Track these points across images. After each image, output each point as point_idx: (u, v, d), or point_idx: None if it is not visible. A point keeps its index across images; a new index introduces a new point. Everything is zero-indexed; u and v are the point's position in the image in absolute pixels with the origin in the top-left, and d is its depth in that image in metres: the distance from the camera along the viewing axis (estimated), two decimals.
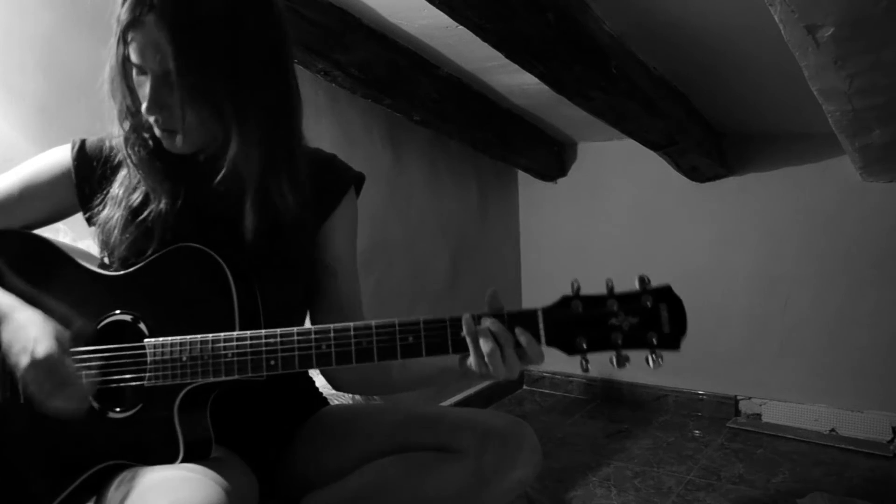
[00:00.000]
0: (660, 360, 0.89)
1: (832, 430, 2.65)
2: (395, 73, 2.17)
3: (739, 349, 2.86)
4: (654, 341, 0.89)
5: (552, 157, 3.17)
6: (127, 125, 1.02)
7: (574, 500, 2.19)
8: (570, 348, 0.90)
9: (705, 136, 2.64)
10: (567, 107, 2.25)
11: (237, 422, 1.08)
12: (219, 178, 0.99)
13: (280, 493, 1.14)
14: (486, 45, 1.73)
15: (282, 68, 1.02)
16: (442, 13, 1.60)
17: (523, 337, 0.90)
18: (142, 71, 0.95)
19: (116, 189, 1.05)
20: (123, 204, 1.04)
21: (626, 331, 0.89)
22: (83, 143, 1.10)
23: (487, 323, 0.90)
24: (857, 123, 1.80)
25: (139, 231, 1.02)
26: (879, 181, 2.51)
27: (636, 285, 0.91)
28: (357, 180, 1.19)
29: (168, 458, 0.94)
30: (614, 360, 0.90)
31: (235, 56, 0.94)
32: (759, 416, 2.83)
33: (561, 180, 3.28)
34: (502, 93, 2.60)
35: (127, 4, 0.91)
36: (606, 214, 3.14)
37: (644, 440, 2.68)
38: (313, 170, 1.12)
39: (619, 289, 0.91)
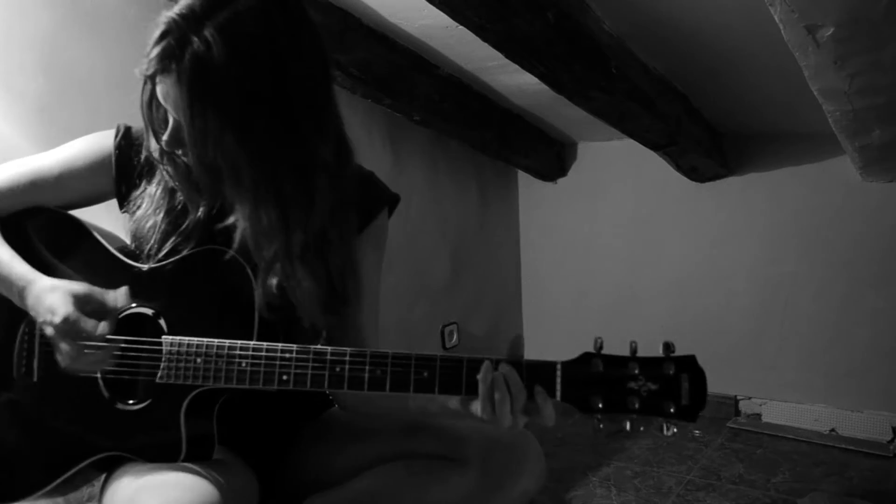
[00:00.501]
0: (673, 429, 0.87)
1: (832, 430, 2.65)
2: (395, 73, 2.17)
3: (739, 349, 2.86)
4: (671, 411, 0.86)
5: (552, 157, 3.17)
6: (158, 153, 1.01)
7: (574, 500, 2.19)
8: (584, 406, 0.88)
9: (705, 136, 2.64)
10: (567, 107, 2.24)
11: (242, 422, 1.08)
12: (234, 246, 0.97)
13: (283, 495, 1.14)
14: (486, 45, 1.73)
15: (307, 143, 0.95)
16: (442, 13, 1.60)
17: (540, 396, 0.88)
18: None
19: (154, 188, 1.05)
20: (163, 208, 1.03)
21: (643, 396, 0.87)
22: (128, 130, 1.09)
23: (505, 370, 0.88)
24: (857, 123, 1.80)
25: (179, 238, 1.02)
26: (879, 181, 2.51)
27: (660, 351, 0.88)
28: (392, 201, 1.15)
29: (169, 457, 0.94)
30: (628, 426, 0.88)
31: (251, 131, 0.90)
32: (759, 416, 2.83)
33: (561, 180, 3.27)
34: (502, 93, 2.60)
35: (155, 54, 0.88)
36: (606, 214, 3.14)
37: (644, 440, 2.68)
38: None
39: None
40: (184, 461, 0.94)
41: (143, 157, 1.07)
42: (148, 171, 1.07)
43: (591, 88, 1.99)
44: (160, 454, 0.94)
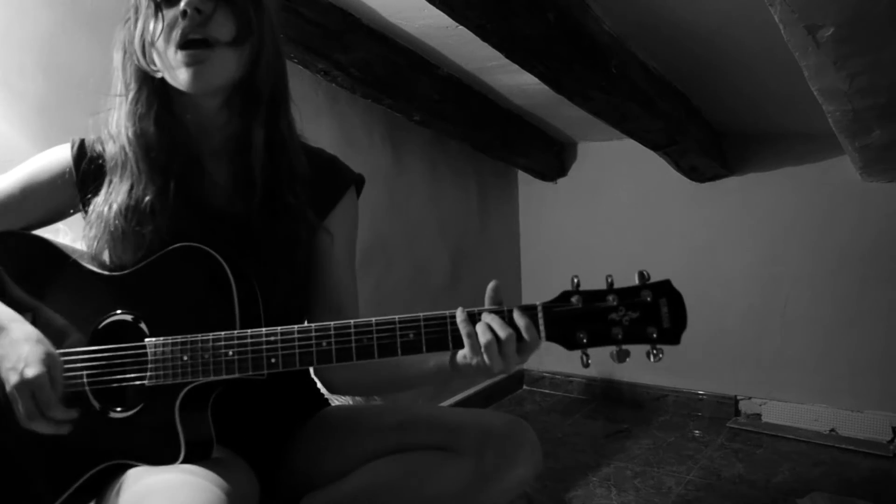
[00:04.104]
0: (660, 354, 0.89)
1: (832, 430, 2.65)
2: (395, 73, 2.17)
3: (739, 349, 2.86)
4: (654, 336, 0.89)
5: (552, 157, 3.17)
6: (133, 95, 1.01)
7: (574, 500, 2.19)
8: (570, 343, 0.90)
9: (705, 136, 2.64)
10: (567, 107, 2.25)
11: (238, 422, 1.08)
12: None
13: (280, 493, 1.15)
14: (486, 45, 1.73)
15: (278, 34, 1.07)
16: (442, 13, 1.60)
17: (522, 320, 0.90)
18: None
19: (101, 203, 1.04)
20: (114, 212, 1.02)
21: (626, 325, 0.89)
22: (82, 142, 1.10)
23: (487, 318, 0.91)
24: (857, 123, 1.80)
25: (131, 229, 1.01)
26: (879, 181, 2.51)
27: (636, 280, 0.91)
28: (357, 181, 1.21)
29: (169, 458, 0.94)
30: (615, 355, 0.90)
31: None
32: (759, 416, 2.83)
33: (561, 180, 3.27)
34: (502, 93, 2.60)
35: None
36: (606, 214, 3.14)
37: (644, 440, 2.68)
38: (315, 168, 1.14)
39: (618, 284, 0.91)
40: (184, 461, 0.93)
41: (99, 156, 1.07)
42: (102, 178, 1.06)
43: (591, 88, 1.99)
44: (160, 457, 0.94)
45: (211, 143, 1.09)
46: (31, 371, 0.90)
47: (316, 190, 1.13)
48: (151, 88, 1.02)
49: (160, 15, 0.97)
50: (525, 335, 0.90)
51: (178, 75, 0.99)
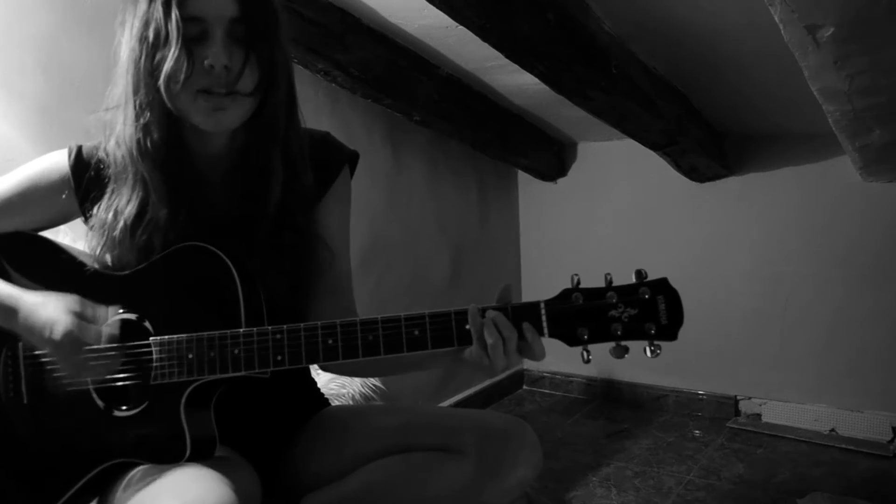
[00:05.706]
0: (658, 350, 0.91)
1: (832, 430, 2.65)
2: (395, 73, 2.17)
3: (739, 349, 2.86)
4: (653, 332, 0.91)
5: (552, 157, 3.17)
6: (147, 116, 0.98)
7: (574, 500, 2.19)
8: (571, 340, 0.92)
9: (705, 136, 2.64)
10: (567, 107, 2.25)
11: (239, 421, 1.08)
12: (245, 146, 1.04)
13: (281, 493, 1.15)
14: (486, 45, 1.73)
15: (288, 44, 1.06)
16: (442, 13, 1.60)
17: (529, 332, 0.91)
18: (198, 31, 0.94)
19: (104, 214, 1.03)
20: (119, 226, 1.01)
21: (625, 322, 0.91)
22: (80, 149, 1.08)
23: (492, 315, 0.92)
24: (857, 123, 1.80)
25: (139, 246, 1.01)
26: (879, 181, 2.51)
27: (633, 278, 0.93)
28: (352, 158, 1.18)
29: (174, 457, 0.94)
30: (613, 351, 0.92)
31: (276, 14, 1.01)
32: (759, 416, 2.83)
33: (561, 180, 3.28)
34: (502, 93, 2.60)
35: None
36: (606, 214, 3.14)
37: (644, 440, 2.68)
38: (309, 149, 1.12)
39: (617, 283, 0.93)
40: (189, 459, 0.94)
41: (99, 163, 1.06)
42: (103, 186, 1.05)
43: (591, 88, 1.99)
44: (165, 455, 0.94)
45: (221, 162, 1.08)
46: (59, 329, 0.90)
47: (311, 169, 1.10)
48: (163, 112, 0.99)
49: (192, 59, 0.94)
50: (527, 333, 0.91)
51: (194, 116, 0.98)
